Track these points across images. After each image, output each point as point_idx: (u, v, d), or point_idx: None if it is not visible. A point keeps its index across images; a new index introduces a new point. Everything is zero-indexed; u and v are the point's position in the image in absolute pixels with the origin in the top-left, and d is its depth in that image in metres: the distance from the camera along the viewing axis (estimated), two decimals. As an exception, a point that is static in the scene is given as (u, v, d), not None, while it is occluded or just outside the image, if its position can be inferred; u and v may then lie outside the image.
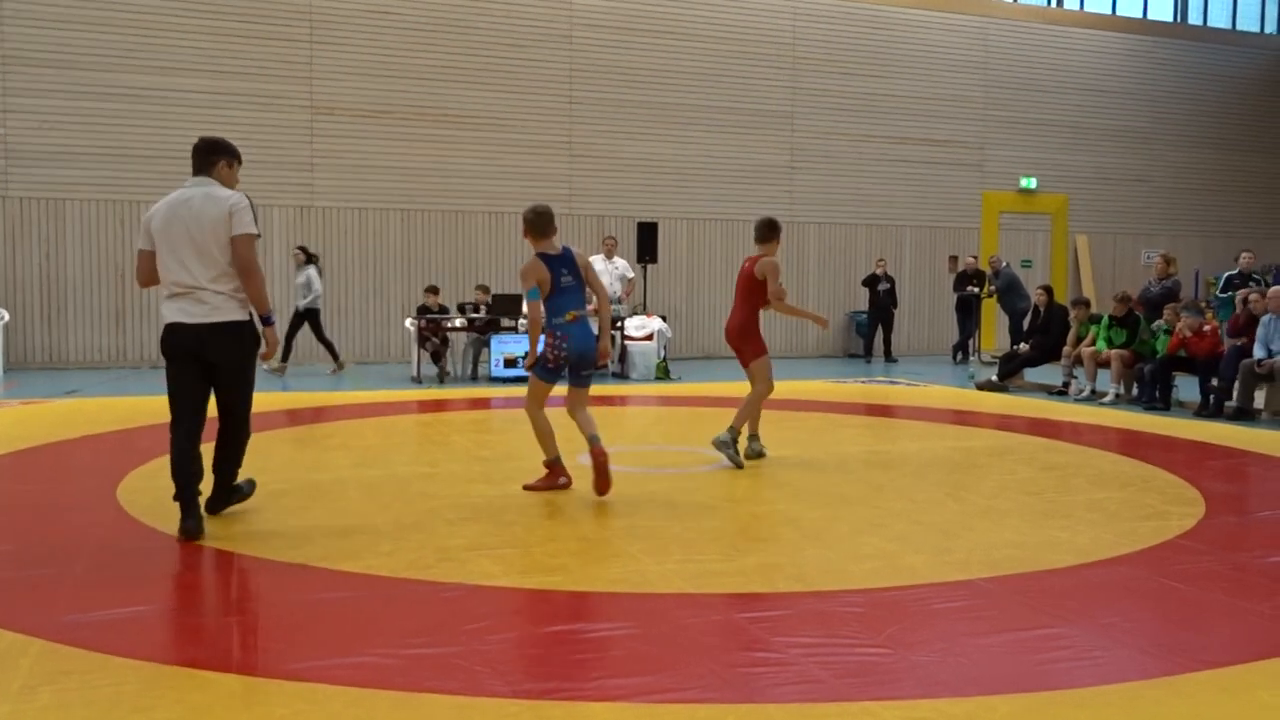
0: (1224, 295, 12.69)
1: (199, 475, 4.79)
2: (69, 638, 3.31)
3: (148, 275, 4.77)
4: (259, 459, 6.75)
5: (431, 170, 15.20)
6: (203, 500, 4.83)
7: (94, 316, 13.92)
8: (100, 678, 2.99)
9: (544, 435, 5.74)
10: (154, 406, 9.24)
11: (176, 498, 4.68)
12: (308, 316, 12.97)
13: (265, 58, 14.38)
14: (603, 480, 5.47)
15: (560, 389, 5.88)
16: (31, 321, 13.68)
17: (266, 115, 14.35)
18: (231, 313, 4.68)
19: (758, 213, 16.57)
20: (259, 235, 4.81)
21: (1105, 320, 11.13)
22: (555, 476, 5.78)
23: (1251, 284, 11.79)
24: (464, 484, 5.97)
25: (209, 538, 4.66)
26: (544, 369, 5.68)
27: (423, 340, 12.46)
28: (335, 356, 13.20)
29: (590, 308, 6.02)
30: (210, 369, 4.73)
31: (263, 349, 4.90)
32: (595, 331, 5.71)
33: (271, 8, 14.36)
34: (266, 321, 4.83)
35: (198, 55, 14.05)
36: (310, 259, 13.00)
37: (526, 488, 5.76)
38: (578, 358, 5.62)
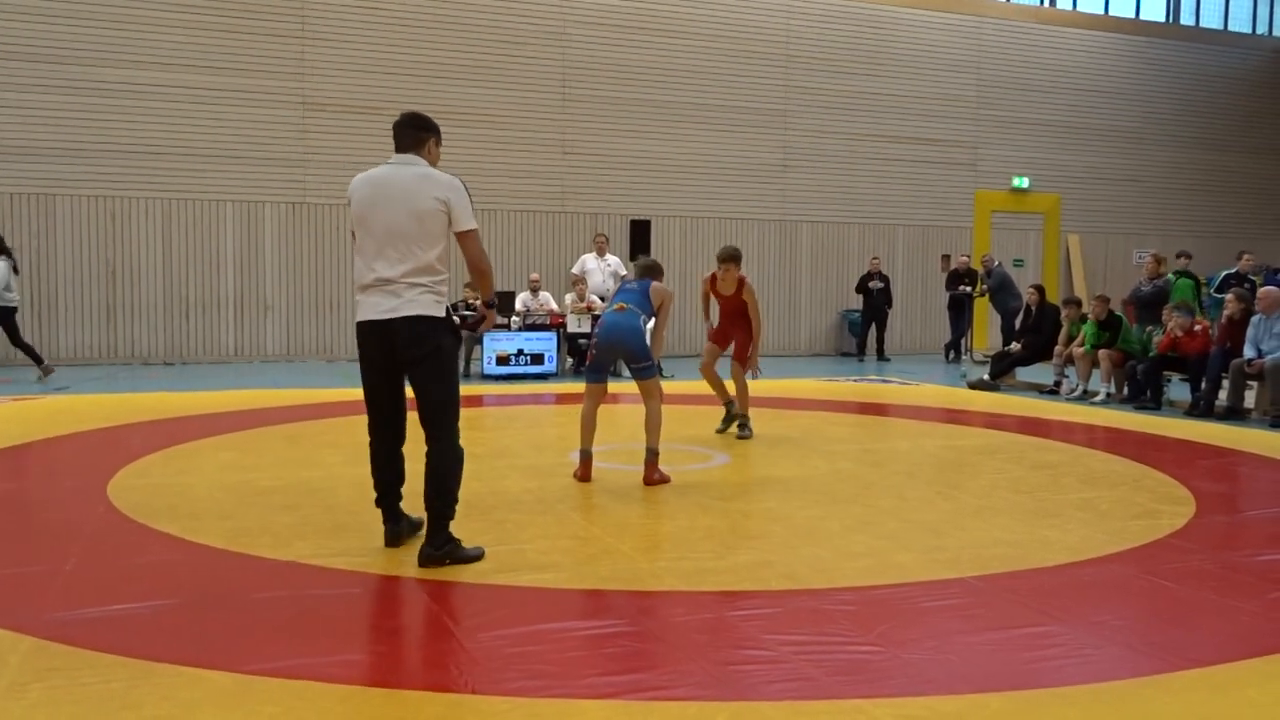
0: (1218, 295, 12.74)
1: (400, 478, 4.47)
2: (59, 635, 3.30)
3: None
4: (250, 456, 6.76)
5: (424, 167, 15.15)
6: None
7: (84, 313, 13.87)
8: (90, 675, 2.98)
9: (581, 427, 5.99)
10: (144, 404, 9.22)
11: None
12: (2, 316, 11.48)
13: (257, 53, 14.33)
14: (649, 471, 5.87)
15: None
16: (21, 318, 13.61)
17: (258, 111, 14.31)
18: (427, 307, 4.22)
19: (751, 211, 16.86)
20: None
21: (1089, 324, 11.13)
22: (581, 466, 5.96)
23: (1246, 286, 11.83)
24: (456, 481, 5.95)
25: (199, 535, 4.64)
26: (588, 369, 6.05)
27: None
28: (38, 361, 11.61)
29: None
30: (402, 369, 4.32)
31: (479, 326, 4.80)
32: (638, 328, 5.92)
33: (263, 3, 14.31)
34: (489, 305, 4.58)
35: (189, 50, 14.00)
36: (3, 250, 11.50)
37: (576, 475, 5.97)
38: (605, 344, 5.89)
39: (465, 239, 4.26)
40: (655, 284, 6.22)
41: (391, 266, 4.18)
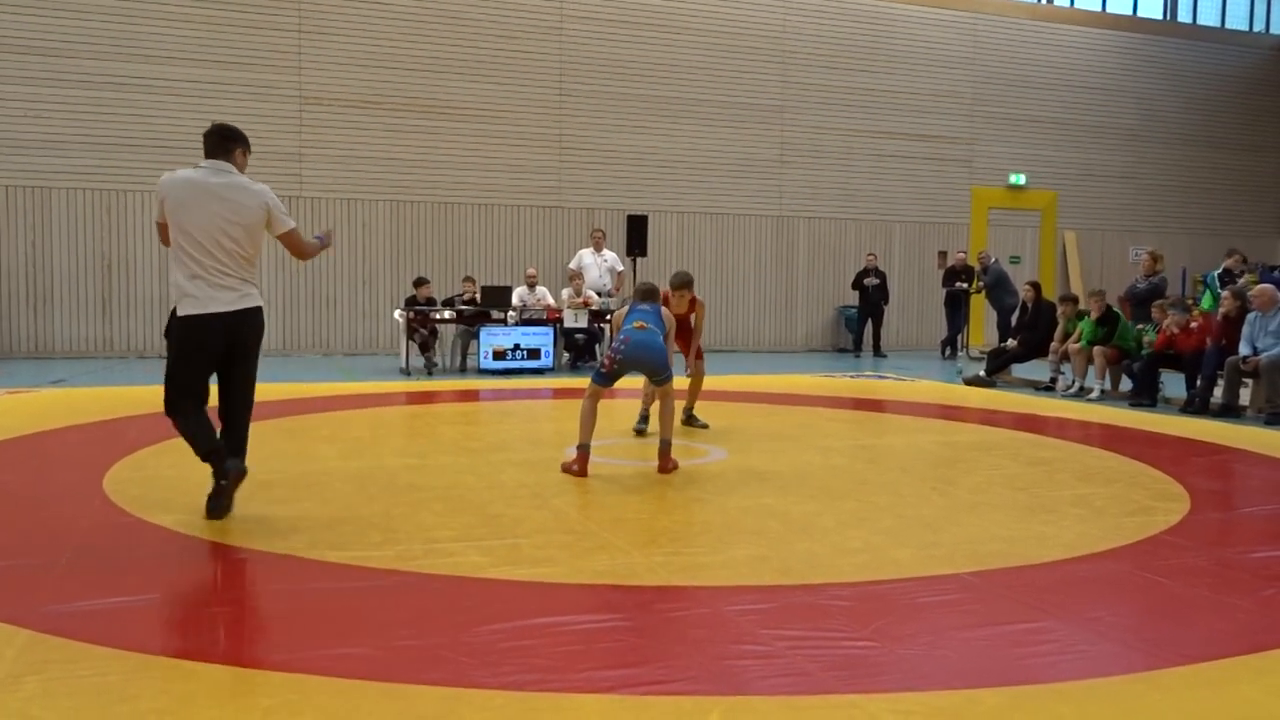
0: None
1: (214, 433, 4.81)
2: (55, 627, 3.30)
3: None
4: (248, 450, 6.74)
5: (421, 161, 15.16)
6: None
7: (80, 306, 13.85)
8: (86, 667, 2.98)
9: (581, 422, 6.12)
10: (140, 396, 9.20)
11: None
12: None
13: (254, 47, 14.31)
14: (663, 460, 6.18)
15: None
16: (17, 311, 13.61)
17: (255, 105, 14.28)
18: (256, 299, 4.81)
19: (748, 206, 16.86)
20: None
21: (1086, 321, 11.12)
22: (578, 460, 6.04)
23: (1238, 280, 11.84)
24: (452, 475, 5.97)
25: (196, 528, 4.64)
26: (598, 374, 6.28)
27: (411, 332, 12.44)
28: None
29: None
30: (226, 352, 4.75)
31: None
32: (661, 346, 6.34)
33: (261, -4, 14.29)
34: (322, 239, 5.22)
35: (186, 44, 13.98)
36: None
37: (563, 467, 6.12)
38: (631, 360, 6.21)
39: (288, 237, 4.91)
40: (665, 309, 6.74)
41: (223, 264, 4.66)
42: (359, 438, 7.39)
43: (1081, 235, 19.50)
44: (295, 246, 4.95)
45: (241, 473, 4.79)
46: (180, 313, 4.66)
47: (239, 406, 4.86)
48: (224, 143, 4.80)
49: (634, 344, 6.21)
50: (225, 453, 4.74)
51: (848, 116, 17.51)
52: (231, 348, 4.73)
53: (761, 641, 3.31)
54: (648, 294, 6.67)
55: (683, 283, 7.61)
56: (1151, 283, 11.85)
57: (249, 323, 4.73)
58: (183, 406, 4.72)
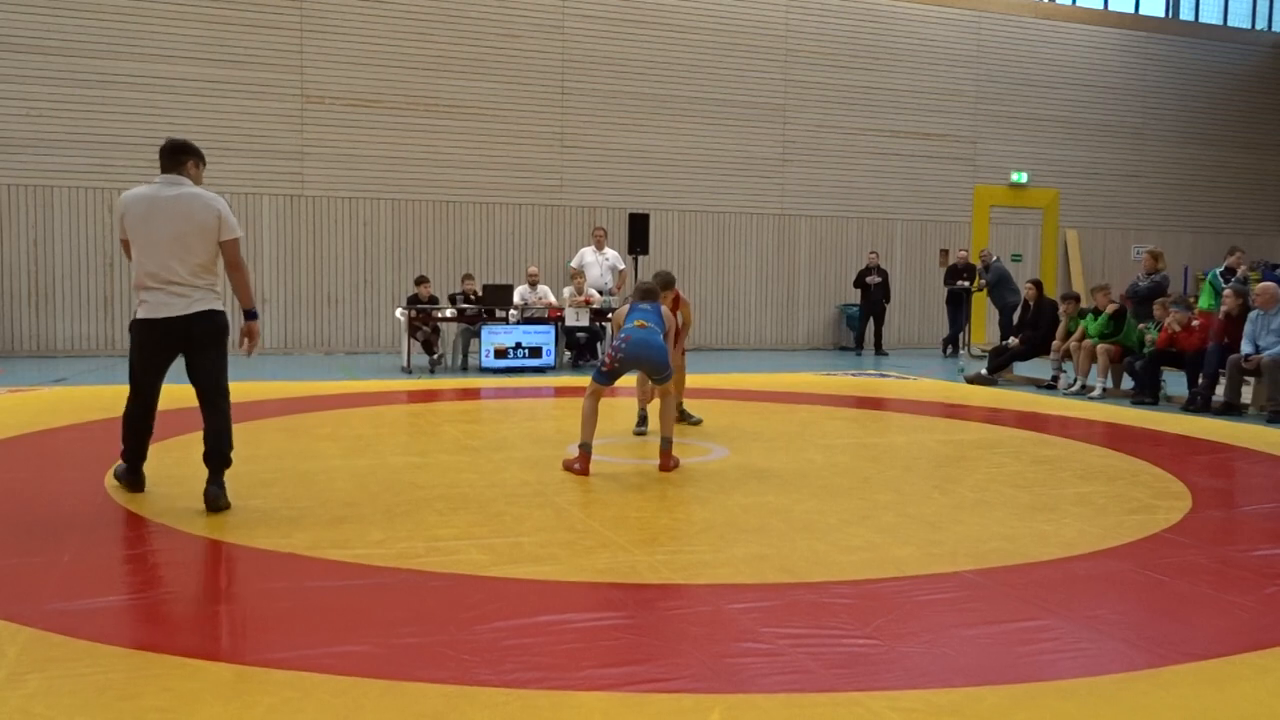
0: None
1: (149, 435, 5.26)
2: (57, 625, 3.30)
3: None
4: (248, 448, 6.75)
5: (423, 160, 15.16)
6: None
7: (82, 305, 13.86)
8: (88, 665, 2.99)
9: (583, 421, 6.18)
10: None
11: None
12: None
13: (255, 46, 14.31)
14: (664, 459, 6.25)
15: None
16: (19, 309, 13.62)
17: (257, 104, 14.29)
18: (210, 304, 5.01)
19: (749, 205, 16.86)
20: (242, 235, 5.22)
21: (1102, 317, 11.04)
22: (580, 459, 6.09)
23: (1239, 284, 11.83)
24: (454, 474, 5.97)
25: (198, 527, 4.65)
26: (599, 372, 6.32)
27: (413, 330, 12.44)
28: None
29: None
30: (183, 351, 5.04)
31: (243, 343, 5.20)
32: (662, 344, 6.36)
33: (262, -5, 14.29)
34: (251, 316, 5.15)
35: (187, 42, 13.98)
36: None
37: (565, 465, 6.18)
38: (632, 358, 6.25)
39: (230, 245, 5.02)
40: (665, 307, 6.76)
41: (179, 271, 4.90)
42: (361, 436, 7.39)
43: (1083, 233, 19.48)
44: (231, 256, 5.04)
45: (217, 502, 4.95)
46: (136, 316, 5.00)
47: (209, 404, 5.04)
48: (175, 156, 5.05)
49: (635, 342, 6.26)
50: (139, 470, 5.27)
51: (850, 114, 17.50)
52: (187, 346, 4.99)
53: (763, 639, 3.31)
54: (647, 293, 6.73)
55: (665, 284, 7.71)
56: (1154, 280, 11.84)
57: (200, 325, 4.95)
58: (130, 407, 5.13)
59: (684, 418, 7.98)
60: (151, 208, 4.92)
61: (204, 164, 5.19)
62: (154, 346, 4.99)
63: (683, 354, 8.13)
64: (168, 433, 7.17)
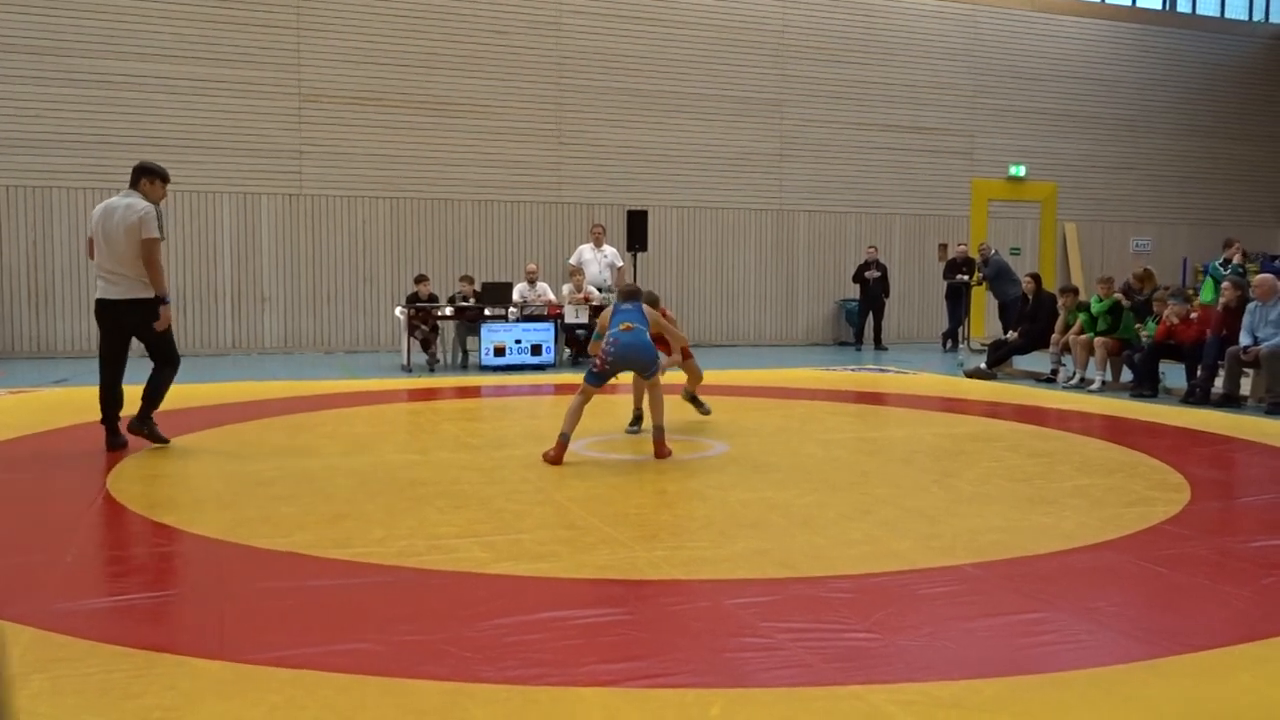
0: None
1: (119, 405, 6.58)
2: (60, 625, 3.31)
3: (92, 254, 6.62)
4: (249, 446, 6.77)
5: (420, 158, 15.16)
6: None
7: (82, 305, 13.84)
8: (91, 665, 3.00)
9: (567, 415, 6.40)
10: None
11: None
12: None
13: (252, 44, 14.30)
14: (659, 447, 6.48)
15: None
16: (19, 310, 13.63)
17: (254, 102, 14.29)
18: (139, 292, 6.44)
19: (747, 200, 16.86)
20: (162, 239, 6.52)
21: (1107, 301, 11.02)
22: (556, 448, 6.25)
23: (1236, 273, 11.84)
24: (454, 471, 5.99)
25: (200, 526, 4.66)
26: (590, 374, 6.54)
27: (412, 329, 12.45)
28: None
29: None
30: (128, 331, 6.54)
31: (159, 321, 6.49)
32: (648, 344, 6.61)
33: (259, -6, 14.28)
34: (163, 301, 6.48)
35: (185, 42, 13.97)
36: None
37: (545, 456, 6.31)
38: (621, 360, 6.49)
39: (146, 243, 6.38)
40: (649, 308, 6.95)
41: (117, 264, 6.41)
42: (361, 434, 7.40)
43: (1082, 226, 19.49)
44: (145, 253, 6.36)
45: (145, 434, 6.53)
46: (94, 296, 6.55)
47: (155, 367, 6.65)
48: (136, 175, 6.54)
49: (623, 345, 6.50)
50: (115, 428, 6.56)
51: (847, 109, 17.50)
52: (129, 326, 6.53)
53: (763, 634, 3.32)
54: (630, 294, 6.95)
55: (649, 301, 7.81)
56: (1145, 296, 11.80)
57: (132, 309, 6.44)
58: (103, 372, 6.61)
59: (698, 406, 8.03)
60: (106, 213, 6.43)
61: (162, 180, 6.61)
62: (104, 323, 6.54)
63: (688, 356, 8.13)
64: (168, 432, 7.18)
